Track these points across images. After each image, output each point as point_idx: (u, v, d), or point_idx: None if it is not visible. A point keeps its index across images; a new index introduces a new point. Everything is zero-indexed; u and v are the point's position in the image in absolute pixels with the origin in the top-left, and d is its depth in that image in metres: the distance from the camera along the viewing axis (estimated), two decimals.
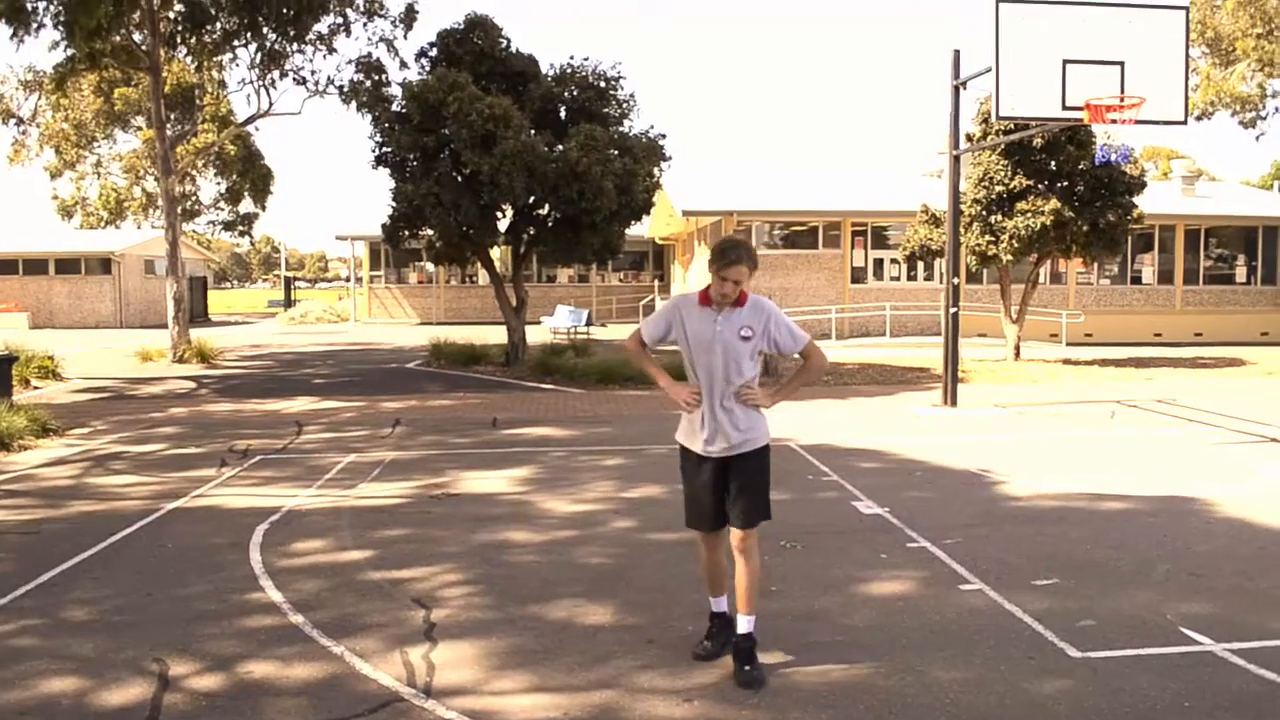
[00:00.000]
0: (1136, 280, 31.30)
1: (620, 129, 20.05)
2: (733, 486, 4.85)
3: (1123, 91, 12.59)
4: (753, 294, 4.82)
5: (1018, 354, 22.01)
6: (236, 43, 23.87)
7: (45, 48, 48.99)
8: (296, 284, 64.85)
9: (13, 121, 38.29)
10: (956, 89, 14.24)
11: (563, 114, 20.40)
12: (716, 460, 4.84)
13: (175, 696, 4.63)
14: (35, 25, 19.30)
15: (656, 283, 40.92)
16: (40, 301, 40.54)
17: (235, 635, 5.39)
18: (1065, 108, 12.74)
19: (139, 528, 7.80)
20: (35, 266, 40.83)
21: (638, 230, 28.42)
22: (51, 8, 19.19)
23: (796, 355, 4.98)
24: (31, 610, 5.84)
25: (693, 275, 34.73)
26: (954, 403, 14.37)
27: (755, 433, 4.86)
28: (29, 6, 18.93)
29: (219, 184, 52.06)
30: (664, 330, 4.92)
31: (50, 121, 45.24)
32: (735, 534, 4.88)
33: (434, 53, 20.63)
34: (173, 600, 6.00)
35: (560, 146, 18.90)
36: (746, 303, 4.76)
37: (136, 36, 22.87)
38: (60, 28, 19.53)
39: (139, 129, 48.39)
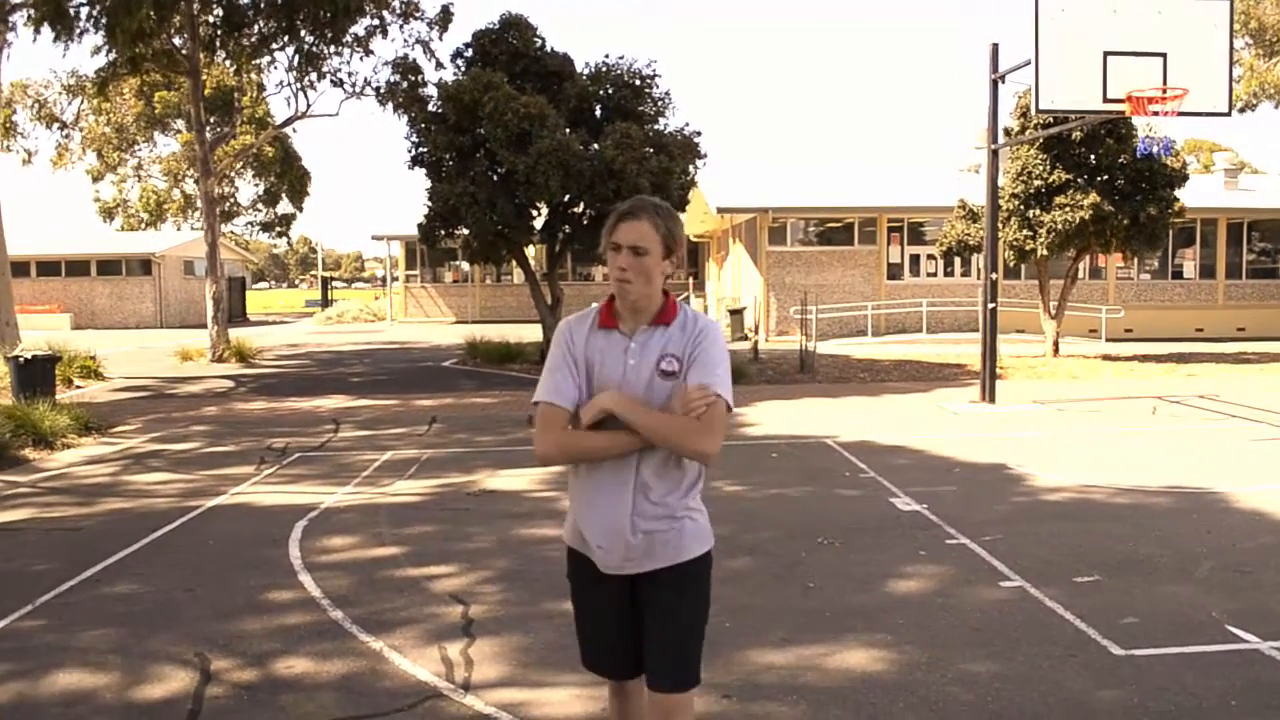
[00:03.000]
0: (1178, 275, 30.87)
1: (655, 127, 20.02)
2: (648, 620, 3.04)
3: (1165, 83, 12.43)
4: (686, 305, 3.06)
5: (1056, 350, 21.79)
6: (274, 45, 24.06)
7: (88, 52, 49.68)
8: (333, 284, 65.34)
9: (56, 126, 38.82)
10: (995, 83, 14.12)
11: (598, 112, 20.41)
12: (622, 578, 3.03)
13: (217, 689, 4.67)
14: (79, 30, 19.55)
15: (690, 280, 40.88)
16: (82, 302, 41.10)
17: (275, 630, 5.43)
18: (1106, 100, 12.60)
19: (179, 524, 7.88)
20: (77, 268, 41.39)
21: None
22: (94, 12, 19.44)
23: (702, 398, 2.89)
24: (75, 605, 5.92)
25: (727, 273, 34.64)
26: (992, 399, 14.25)
27: (685, 530, 3.01)
28: (71, 11, 19.18)
29: (257, 185, 52.70)
30: (573, 380, 2.98)
31: (92, 125, 45.91)
32: (654, 700, 3.02)
33: (469, 53, 20.70)
34: (213, 595, 6.06)
35: (595, 145, 18.90)
36: (674, 318, 2.98)
37: (177, 40, 23.12)
38: (102, 32, 19.78)
39: (178, 132, 48.99)
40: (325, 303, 53.08)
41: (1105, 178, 19.95)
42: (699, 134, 20.24)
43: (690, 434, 2.85)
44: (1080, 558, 6.58)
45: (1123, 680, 4.63)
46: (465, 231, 20.68)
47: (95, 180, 51.92)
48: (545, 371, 3.03)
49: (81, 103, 36.46)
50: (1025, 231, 20.10)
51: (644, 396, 2.91)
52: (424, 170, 20.48)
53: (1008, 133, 19.94)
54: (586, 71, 20.65)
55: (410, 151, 20.51)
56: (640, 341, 2.96)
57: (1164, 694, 4.48)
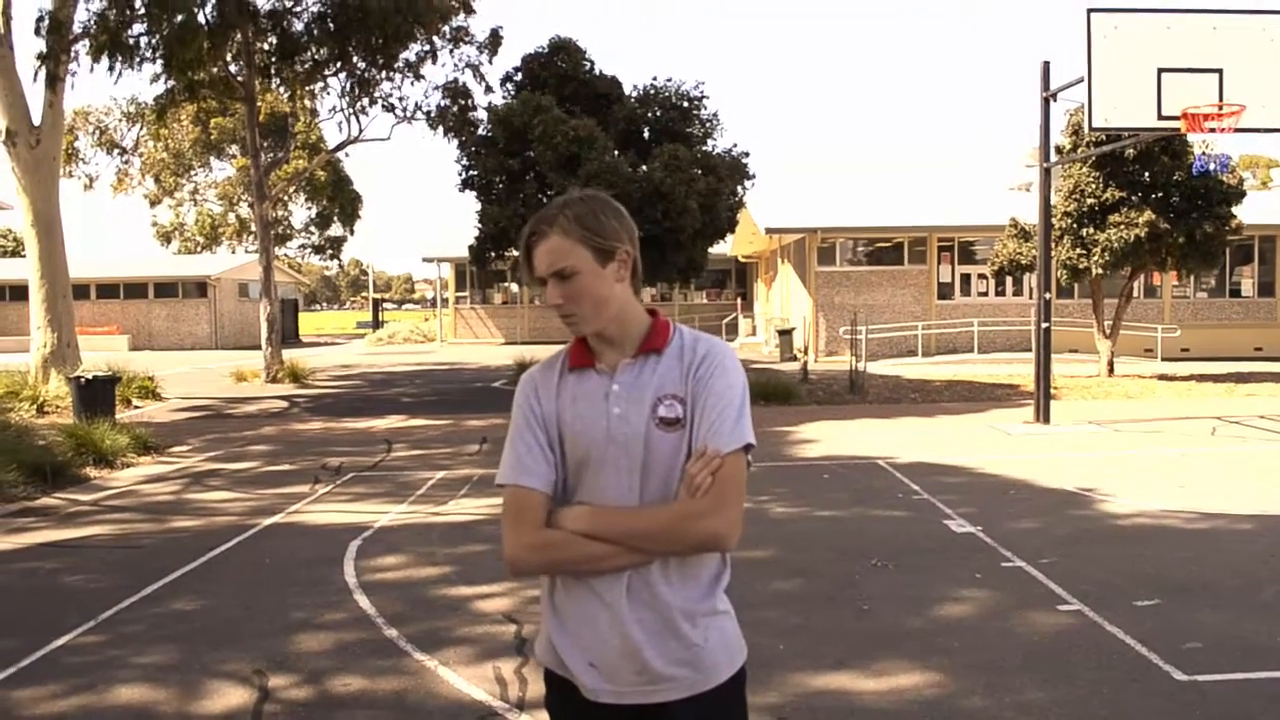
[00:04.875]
0: (1235, 293, 30.32)
1: (704, 148, 20.13)
2: None
3: (1221, 99, 12.26)
4: (681, 326, 2.27)
5: (1111, 370, 21.47)
6: (327, 72, 24.46)
7: (147, 80, 50.85)
8: (383, 305, 66.03)
9: (116, 151, 39.69)
10: (1047, 101, 14.00)
11: (646, 134, 20.55)
12: (623, 712, 2.17)
13: (274, 706, 4.73)
14: (138, 59, 20.01)
15: (739, 301, 40.82)
16: (140, 324, 41.87)
17: (331, 648, 5.49)
18: (1161, 117, 12.45)
19: (237, 543, 7.99)
20: (135, 290, 42.20)
21: (720, 248, 28.42)
22: (152, 41, 19.89)
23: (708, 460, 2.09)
24: (135, 621, 6.02)
25: (775, 294, 34.57)
26: (1046, 419, 14.07)
27: (710, 644, 2.18)
28: (130, 41, 19.65)
29: (310, 209, 53.51)
30: (542, 451, 2.21)
31: (151, 151, 46.85)
32: None
33: (519, 76, 20.96)
34: (271, 613, 6.13)
35: (644, 167, 19.03)
36: (667, 342, 2.21)
37: (232, 68, 23.58)
38: (160, 60, 20.23)
39: (233, 157, 49.88)
40: (376, 324, 53.63)
41: (1160, 195, 19.67)
42: (747, 155, 20.35)
43: (690, 520, 2.06)
44: (1140, 581, 6.47)
45: (1186, 707, 4.55)
46: (515, 253, 20.85)
47: (153, 205, 52.99)
48: (507, 442, 2.26)
49: (141, 129, 37.22)
50: (1079, 250, 19.86)
51: (643, 459, 2.12)
52: (475, 193, 20.73)
53: (1059, 150, 19.75)
54: (635, 93, 20.81)
55: (461, 174, 20.79)
56: (626, 381, 2.16)
57: None
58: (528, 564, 2.16)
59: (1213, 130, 12.35)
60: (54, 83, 18.32)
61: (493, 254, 20.94)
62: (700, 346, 2.19)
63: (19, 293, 35.57)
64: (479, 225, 20.51)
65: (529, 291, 40.15)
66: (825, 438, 13.15)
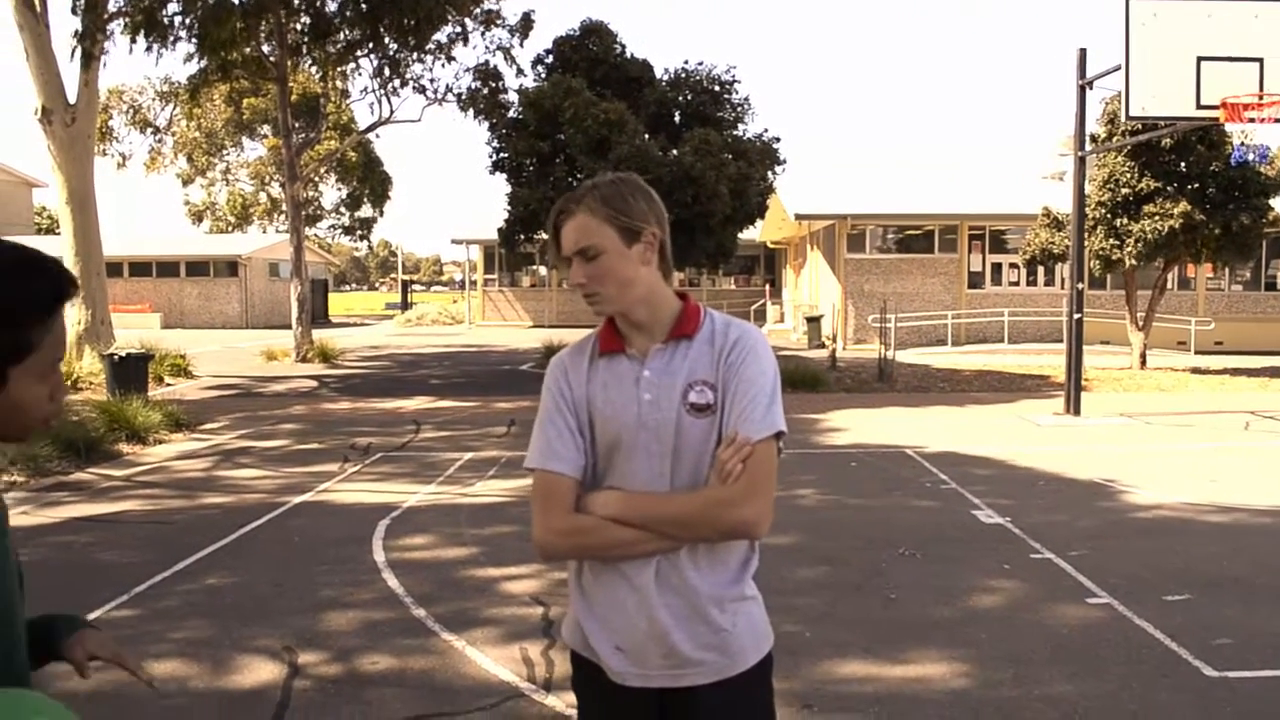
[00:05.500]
0: (1271, 286, 29.95)
1: (734, 133, 20.03)
2: None
3: (1261, 89, 12.09)
4: (712, 310, 2.25)
5: (1143, 362, 21.27)
6: (359, 53, 24.53)
7: (181, 59, 51.16)
8: (412, 287, 66.34)
9: (150, 130, 39.97)
10: (1082, 89, 13.85)
11: (677, 118, 20.47)
12: (649, 695, 2.18)
13: (304, 683, 4.78)
14: (172, 38, 20.14)
15: (768, 287, 40.69)
16: (172, 302, 42.21)
17: (360, 626, 5.53)
18: (1200, 106, 12.27)
19: (267, 520, 8.06)
20: (167, 269, 42.53)
21: (749, 234, 28.32)
22: (186, 20, 20.01)
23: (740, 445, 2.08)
24: (168, 596, 6.09)
25: (804, 280, 34.45)
26: (1077, 411, 13.97)
27: (739, 629, 2.18)
28: (165, 20, 19.77)
29: (340, 190, 53.77)
30: (572, 435, 2.21)
31: (184, 130, 47.16)
32: None
33: (550, 59, 20.91)
34: (300, 591, 6.18)
35: (674, 151, 18.96)
36: (698, 327, 2.19)
37: (265, 48, 23.68)
38: (194, 40, 20.35)
39: (265, 137, 50.18)
40: (405, 305, 53.89)
41: (1196, 186, 19.43)
42: (778, 140, 20.22)
43: (721, 508, 2.05)
44: (1170, 576, 6.42)
45: (1216, 703, 4.52)
46: (545, 236, 20.85)
47: (185, 184, 53.47)
48: (536, 425, 2.27)
49: (174, 108, 37.42)
50: (1112, 241, 19.65)
51: (674, 445, 2.11)
52: (505, 175, 20.72)
53: (1094, 139, 19.52)
54: (666, 77, 20.73)
55: (491, 157, 20.78)
56: (657, 367, 2.15)
57: (1260, 718, 4.36)
58: (557, 548, 2.17)
59: (1252, 120, 12.17)
60: (89, 61, 18.45)
61: (522, 236, 20.94)
62: (732, 332, 2.17)
63: None
64: (508, 208, 20.52)
65: (558, 275, 40.18)
66: (853, 426, 13.11)
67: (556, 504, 2.15)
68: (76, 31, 18.24)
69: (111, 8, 18.99)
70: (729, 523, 2.06)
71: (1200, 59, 12.21)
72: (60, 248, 19.27)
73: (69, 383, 16.31)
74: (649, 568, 2.11)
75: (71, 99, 18.38)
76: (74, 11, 18.31)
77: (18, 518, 8.30)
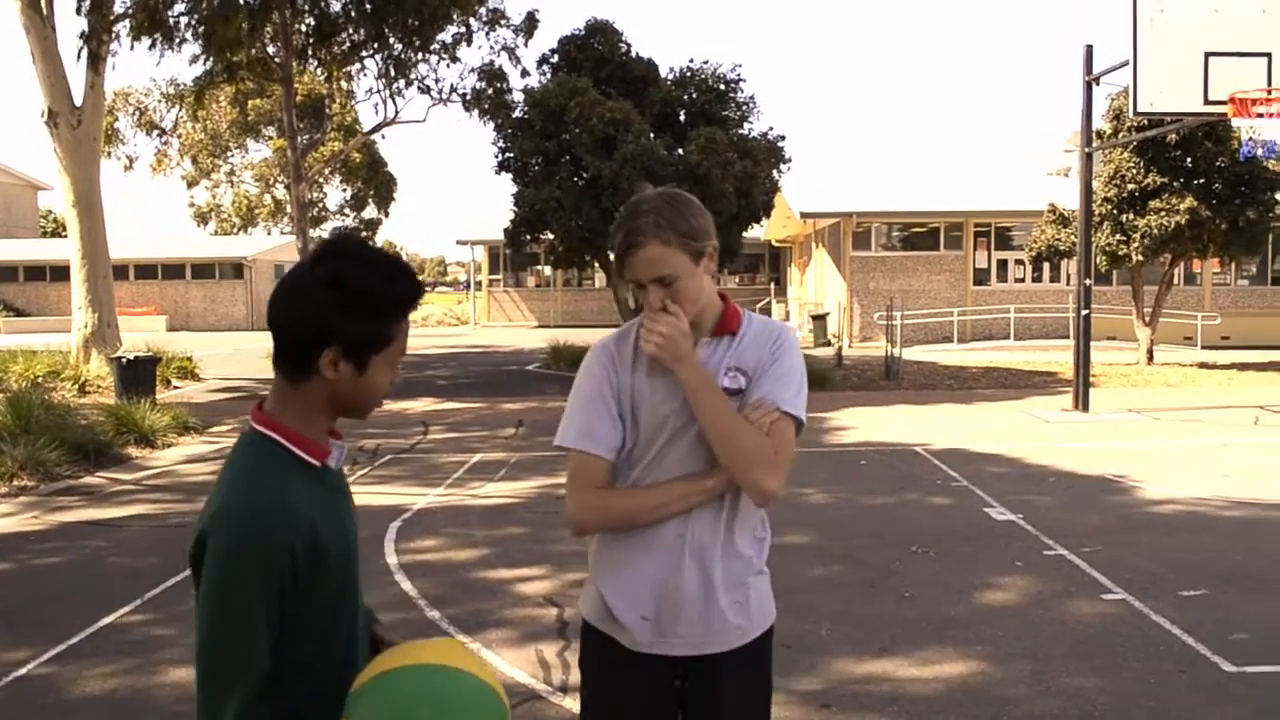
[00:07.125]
0: (1277, 280, 29.89)
1: (740, 131, 20.01)
2: None
3: (1269, 84, 12.06)
4: (751, 312, 2.43)
5: (1150, 358, 21.23)
6: (364, 53, 24.56)
7: (186, 61, 51.25)
8: None
9: (155, 133, 40.04)
10: (1089, 84, 13.82)
11: (682, 117, 20.45)
12: (670, 663, 2.29)
13: None
14: (177, 39, 20.15)
15: (773, 285, 40.67)
16: (177, 305, 42.25)
17: None
18: (1208, 102, 12.24)
19: None
20: (173, 271, 42.58)
21: (754, 232, 28.31)
22: (191, 21, 20.01)
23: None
24: (177, 600, 6.08)
25: (809, 278, 34.41)
26: (1085, 407, 13.94)
27: (761, 593, 2.36)
28: (170, 21, 19.78)
29: (345, 191, 53.78)
30: (611, 419, 2.32)
31: (190, 132, 47.22)
32: None
33: (555, 59, 20.89)
34: None
35: (680, 150, 18.95)
36: (740, 325, 2.35)
37: (270, 49, 23.70)
38: (200, 41, 20.36)
39: (270, 138, 50.20)
40: None
41: (1202, 181, 19.38)
42: (783, 138, 20.22)
43: (759, 458, 2.16)
44: (1185, 571, 6.40)
45: (1234, 698, 4.50)
46: (550, 236, 20.85)
47: (190, 186, 53.49)
48: (573, 406, 2.36)
49: (179, 110, 37.49)
50: (1118, 236, 19.62)
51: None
52: (510, 175, 20.71)
53: (1100, 135, 19.47)
54: (671, 76, 20.71)
55: (497, 157, 20.77)
56: (702, 359, 2.27)
57: (1278, 713, 4.35)
58: (589, 523, 2.32)
59: (1261, 115, 12.13)
60: (95, 63, 18.46)
61: (528, 236, 20.94)
62: (774, 331, 2.36)
63: (60, 273, 35.97)
64: (514, 208, 20.52)
65: (561, 275, 40.16)
66: (861, 424, 13.09)
67: (589, 484, 2.28)
68: (82, 33, 18.26)
69: (117, 9, 19.00)
70: (754, 477, 2.18)
71: (1208, 54, 12.18)
72: (67, 251, 19.29)
73: (76, 387, 16.33)
74: (675, 540, 2.23)
75: (77, 101, 18.39)
76: (79, 13, 18.31)
77: (28, 522, 8.31)
